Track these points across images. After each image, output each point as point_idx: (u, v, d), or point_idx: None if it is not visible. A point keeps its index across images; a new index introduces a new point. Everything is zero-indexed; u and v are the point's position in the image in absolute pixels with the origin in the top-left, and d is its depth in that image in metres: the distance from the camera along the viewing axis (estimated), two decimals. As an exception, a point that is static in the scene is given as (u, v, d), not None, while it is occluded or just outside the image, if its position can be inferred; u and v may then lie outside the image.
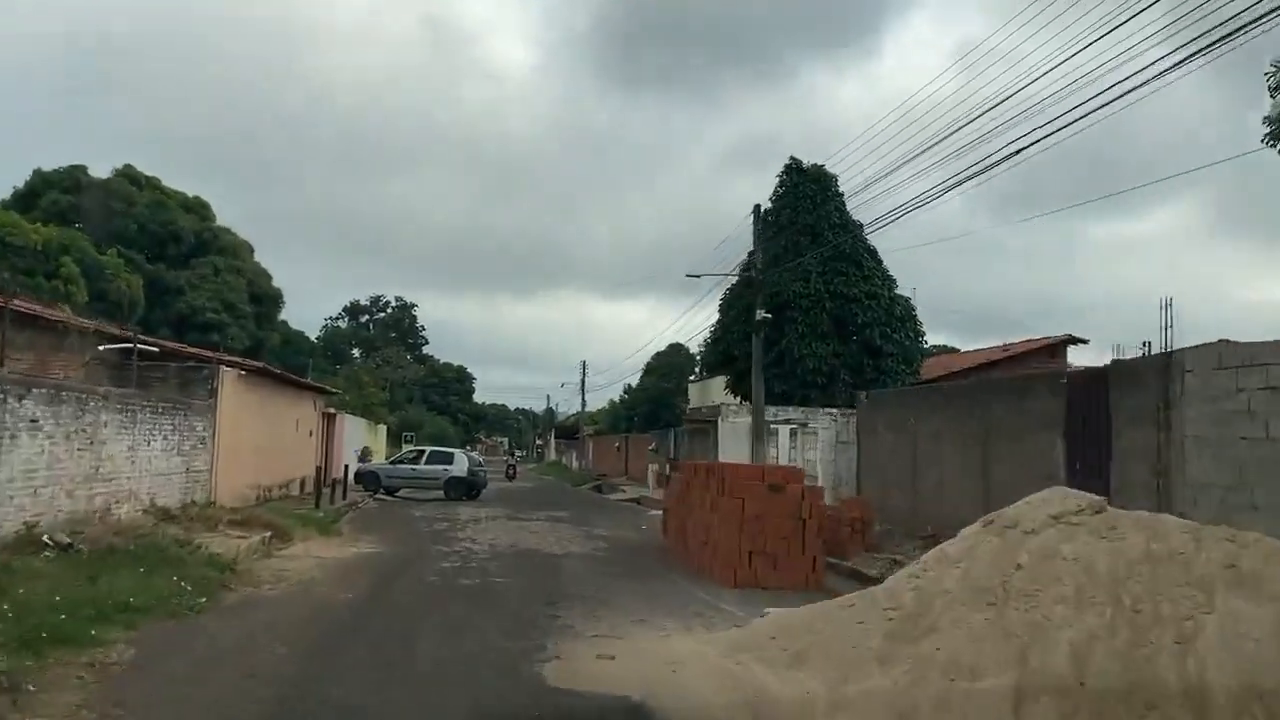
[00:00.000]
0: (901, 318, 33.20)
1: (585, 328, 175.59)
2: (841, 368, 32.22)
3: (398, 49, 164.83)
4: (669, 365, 63.29)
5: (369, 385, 52.19)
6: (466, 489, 33.89)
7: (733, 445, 29.66)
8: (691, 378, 54.37)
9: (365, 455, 37.25)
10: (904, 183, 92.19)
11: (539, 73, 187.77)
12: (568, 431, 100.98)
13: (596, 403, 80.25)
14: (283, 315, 60.32)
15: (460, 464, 34.17)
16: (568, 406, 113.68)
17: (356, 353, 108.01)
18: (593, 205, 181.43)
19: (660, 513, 28.09)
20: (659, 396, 50.96)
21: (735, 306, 34.08)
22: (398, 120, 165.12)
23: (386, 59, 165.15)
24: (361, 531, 20.37)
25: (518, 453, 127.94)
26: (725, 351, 34.28)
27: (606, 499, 39.30)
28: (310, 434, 31.09)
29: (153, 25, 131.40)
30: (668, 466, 35.79)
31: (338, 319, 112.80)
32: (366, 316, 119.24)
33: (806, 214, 33.52)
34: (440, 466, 34.00)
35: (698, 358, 54.59)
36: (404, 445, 64.38)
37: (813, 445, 23.62)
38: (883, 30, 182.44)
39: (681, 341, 60.42)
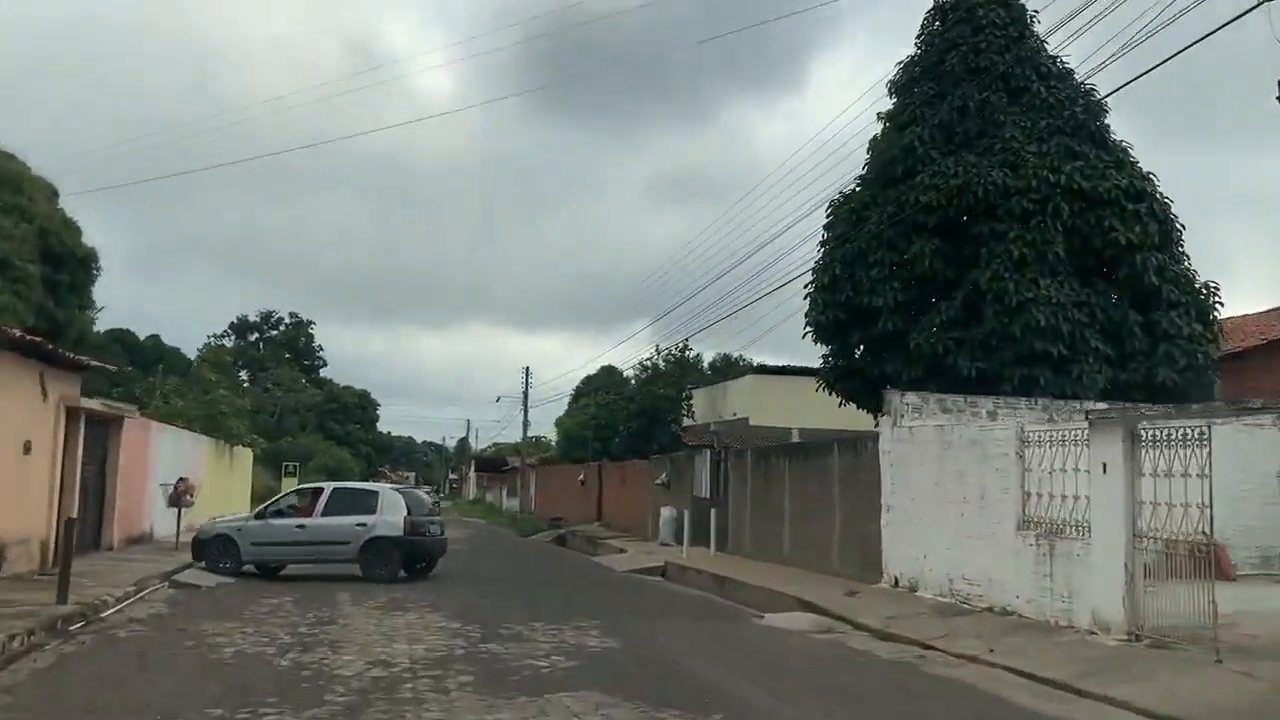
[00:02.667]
0: (1178, 240, 18.34)
1: (499, 361, 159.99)
2: (1088, 327, 17.14)
3: (317, 72, 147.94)
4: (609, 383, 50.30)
5: (218, 386, 34.89)
6: (407, 558, 17.69)
7: (919, 475, 14.24)
8: (691, 385, 38.79)
9: (181, 494, 20.82)
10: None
11: (460, 101, 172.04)
12: (491, 464, 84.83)
13: (525, 431, 63.81)
14: (154, 329, 42.92)
15: (390, 511, 17.55)
16: (487, 434, 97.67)
17: (244, 375, 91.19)
18: (510, 236, 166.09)
19: (789, 625, 11.96)
20: (653, 408, 35.09)
21: (872, 219, 18.70)
22: (311, 144, 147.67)
23: (305, 81, 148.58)
24: None
25: (428, 488, 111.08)
26: (848, 304, 18.79)
27: (605, 567, 23.32)
28: (26, 450, 14.59)
29: (53, 35, 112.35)
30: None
31: (222, 336, 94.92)
32: (256, 334, 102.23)
33: (994, 53, 18.54)
34: (351, 519, 17.45)
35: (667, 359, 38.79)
36: (285, 481, 46.29)
37: None
38: (808, 67, 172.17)
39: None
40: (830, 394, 21.20)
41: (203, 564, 17.51)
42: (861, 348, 19.48)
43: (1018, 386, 16.75)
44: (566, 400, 64.36)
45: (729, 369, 50.47)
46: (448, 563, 22.24)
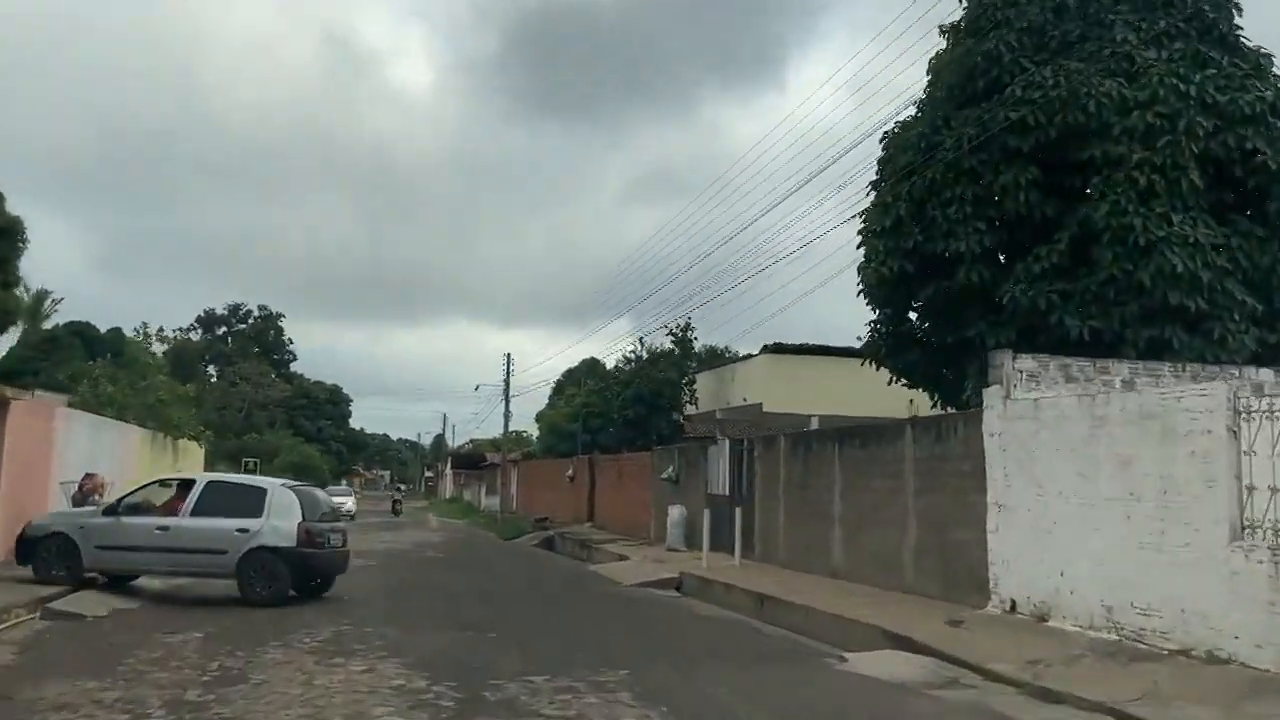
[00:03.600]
0: (1330, 170, 14.71)
1: (475, 357, 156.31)
2: (1230, 276, 13.51)
3: (297, 69, 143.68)
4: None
5: (155, 369, 30.57)
6: (298, 575, 13.66)
7: (1052, 463, 10.54)
8: (693, 367, 34.99)
9: (88, 494, 16.91)
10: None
11: (440, 97, 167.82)
12: (469, 460, 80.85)
13: (506, 423, 59.88)
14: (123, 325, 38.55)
15: (280, 515, 13.62)
16: (464, 430, 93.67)
17: (211, 370, 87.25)
18: (486, 232, 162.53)
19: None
20: (652, 394, 31.27)
21: (946, 145, 14.92)
22: (291, 141, 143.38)
23: (284, 78, 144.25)
24: None
25: (402, 487, 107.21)
26: (916, 251, 15.04)
27: (608, 579, 19.52)
28: None
29: (30, 34, 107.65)
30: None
31: (188, 330, 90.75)
32: (224, 328, 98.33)
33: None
34: (229, 523, 13.48)
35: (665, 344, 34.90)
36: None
37: None
38: (786, 66, 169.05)
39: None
40: (877, 369, 17.58)
41: (30, 567, 13.58)
42: (927, 309, 15.80)
43: (1143, 350, 13.13)
44: (547, 394, 60.82)
45: (713, 360, 46.86)
46: (417, 576, 18.48)
